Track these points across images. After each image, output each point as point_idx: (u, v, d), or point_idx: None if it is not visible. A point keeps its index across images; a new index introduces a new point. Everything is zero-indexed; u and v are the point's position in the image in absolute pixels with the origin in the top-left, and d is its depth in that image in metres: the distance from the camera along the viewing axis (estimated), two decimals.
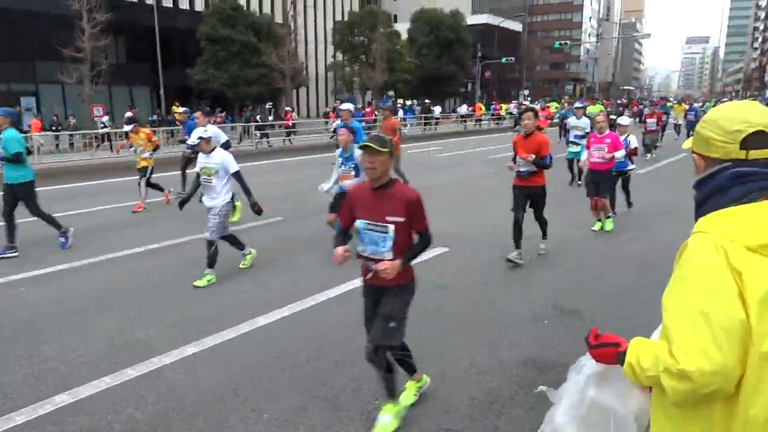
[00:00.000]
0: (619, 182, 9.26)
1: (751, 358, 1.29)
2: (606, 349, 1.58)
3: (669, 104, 31.23)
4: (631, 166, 9.26)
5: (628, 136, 8.92)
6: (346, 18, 54.47)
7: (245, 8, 44.08)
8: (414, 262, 3.20)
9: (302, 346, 4.44)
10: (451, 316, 5.10)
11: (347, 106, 8.77)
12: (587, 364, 1.68)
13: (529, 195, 6.59)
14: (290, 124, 26.96)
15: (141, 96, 40.61)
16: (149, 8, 36.16)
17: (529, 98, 57.98)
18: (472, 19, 64.34)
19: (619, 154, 8.25)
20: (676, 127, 25.19)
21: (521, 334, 4.66)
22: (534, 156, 6.34)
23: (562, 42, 56.63)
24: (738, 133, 1.41)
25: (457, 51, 56.11)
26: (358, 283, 3.49)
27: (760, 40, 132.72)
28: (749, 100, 1.53)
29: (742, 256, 1.30)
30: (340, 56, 53.85)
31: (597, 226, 8.31)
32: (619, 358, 1.52)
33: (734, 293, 1.29)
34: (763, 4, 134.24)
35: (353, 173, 6.63)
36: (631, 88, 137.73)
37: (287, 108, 30.61)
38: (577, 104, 15.79)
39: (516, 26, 78.97)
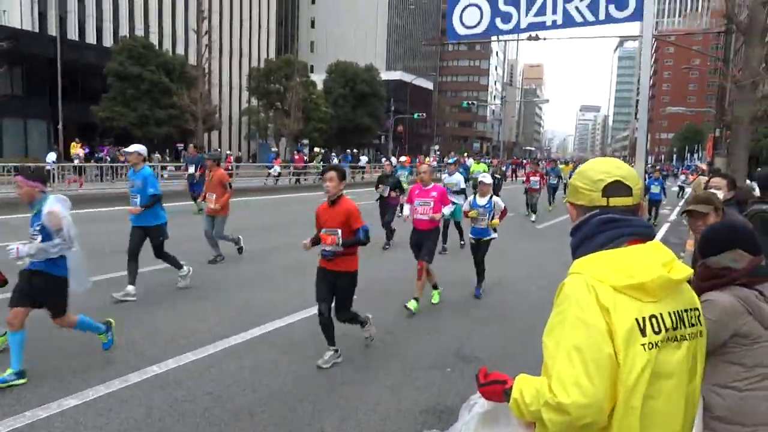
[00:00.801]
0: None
1: (619, 392, 1.39)
2: (493, 387, 1.64)
3: (560, 166, 33.63)
4: (492, 235, 7.54)
5: (491, 197, 7.47)
6: (262, 65, 54.76)
7: (157, 47, 43.19)
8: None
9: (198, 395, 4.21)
10: (356, 362, 5.06)
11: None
12: (478, 402, 1.73)
13: (335, 281, 4.89)
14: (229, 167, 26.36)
15: (36, 130, 38.12)
16: (52, 39, 34.50)
17: (439, 152, 60.38)
18: (386, 75, 66.82)
19: (447, 210, 6.98)
20: (566, 187, 27.14)
21: (424, 381, 4.69)
22: (340, 236, 4.69)
23: (470, 102, 59.86)
24: (600, 182, 1.57)
25: (371, 104, 57.81)
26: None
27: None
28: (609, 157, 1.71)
29: (609, 295, 1.42)
30: (255, 102, 53.75)
31: (412, 306, 6.45)
32: (505, 394, 1.58)
33: (604, 329, 1.40)
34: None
35: None
36: (532, 148, 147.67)
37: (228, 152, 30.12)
38: (450, 160, 16.58)
39: (428, 84, 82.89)
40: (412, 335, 5.91)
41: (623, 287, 1.43)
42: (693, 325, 1.53)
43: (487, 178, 7.61)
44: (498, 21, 2.43)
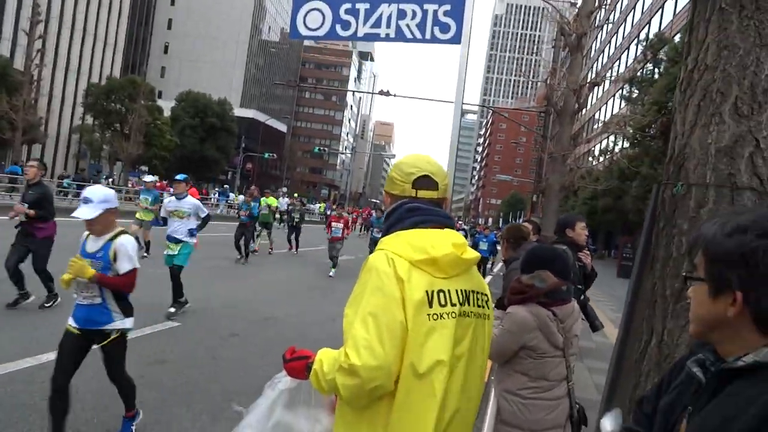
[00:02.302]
0: None
1: (405, 358, 1.48)
2: (298, 363, 1.64)
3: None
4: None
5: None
6: (104, 82, 50.79)
7: None
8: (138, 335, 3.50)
9: None
10: (170, 389, 4.68)
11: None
12: (282, 380, 1.70)
13: None
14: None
15: None
16: None
17: (287, 194, 60.13)
18: (239, 112, 65.80)
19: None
20: None
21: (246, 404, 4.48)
22: None
23: (322, 148, 61.02)
24: (411, 175, 1.70)
25: (221, 138, 56.28)
26: None
27: (477, 177, 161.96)
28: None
29: (406, 268, 1.53)
30: (90, 120, 49.38)
31: None
32: (308, 368, 1.58)
33: (398, 298, 1.49)
34: (479, 149, 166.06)
35: None
36: (378, 201, 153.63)
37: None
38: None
39: (281, 127, 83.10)
40: (238, 360, 5.65)
41: (418, 261, 1.54)
42: (480, 306, 1.67)
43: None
44: (338, 27, 2.58)
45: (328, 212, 39.68)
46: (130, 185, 36.36)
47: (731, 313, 1.01)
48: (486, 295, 1.72)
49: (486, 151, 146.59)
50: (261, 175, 73.86)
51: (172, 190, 13.44)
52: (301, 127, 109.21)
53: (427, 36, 2.45)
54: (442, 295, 1.55)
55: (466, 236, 18.18)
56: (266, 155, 57.67)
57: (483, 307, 1.68)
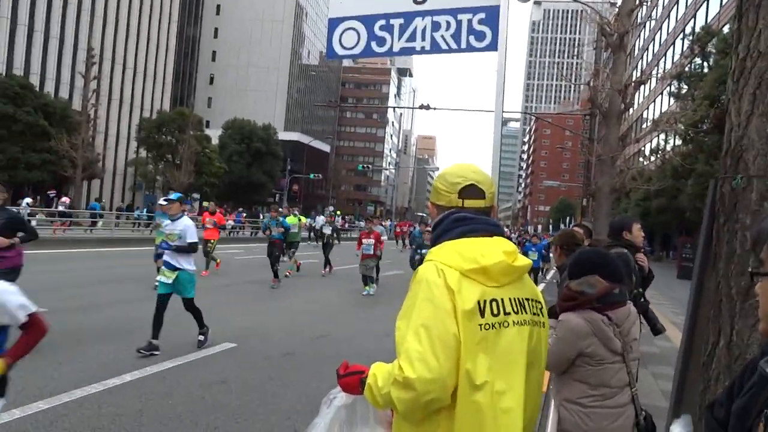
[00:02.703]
0: None
1: (460, 372, 1.45)
2: (352, 378, 1.64)
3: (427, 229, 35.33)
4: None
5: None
6: (154, 116, 53.02)
7: (37, 88, 40.53)
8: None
9: None
10: (230, 409, 4.77)
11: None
12: (338, 396, 1.70)
13: None
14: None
15: None
16: None
17: (333, 213, 60.80)
18: (283, 135, 67.25)
19: None
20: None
21: (303, 423, 4.51)
22: None
23: (365, 165, 61.51)
24: (457, 185, 1.69)
25: (267, 162, 57.60)
26: None
27: (523, 185, 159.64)
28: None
29: (456, 278, 1.51)
30: (143, 153, 51.57)
31: None
32: (362, 383, 1.58)
33: (450, 309, 1.47)
34: (524, 156, 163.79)
35: None
36: (424, 214, 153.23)
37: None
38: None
39: (325, 147, 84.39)
40: (292, 381, 5.71)
41: (468, 271, 1.52)
42: (535, 314, 1.63)
43: None
44: (374, 44, 2.62)
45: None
46: (188, 213, 37.59)
47: None
48: (540, 302, 1.68)
49: (531, 158, 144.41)
50: (307, 196, 75.13)
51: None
52: (344, 146, 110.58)
53: (463, 45, 2.46)
54: (494, 304, 1.53)
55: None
56: (312, 176, 58.59)
57: (538, 314, 1.65)
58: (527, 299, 1.62)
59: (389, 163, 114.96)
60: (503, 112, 2.77)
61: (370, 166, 67.65)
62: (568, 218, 50.25)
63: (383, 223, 21.10)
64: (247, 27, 79.74)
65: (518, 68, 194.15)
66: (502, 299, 1.55)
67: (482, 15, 2.41)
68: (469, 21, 2.44)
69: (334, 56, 2.80)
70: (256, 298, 11.14)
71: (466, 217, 1.65)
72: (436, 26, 2.50)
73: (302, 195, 67.19)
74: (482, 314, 1.50)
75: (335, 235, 16.92)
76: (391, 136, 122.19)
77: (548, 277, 19.62)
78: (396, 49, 2.56)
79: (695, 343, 1.93)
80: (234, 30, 79.99)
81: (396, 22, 2.55)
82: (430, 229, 7.52)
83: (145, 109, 61.14)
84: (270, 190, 60.83)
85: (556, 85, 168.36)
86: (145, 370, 5.56)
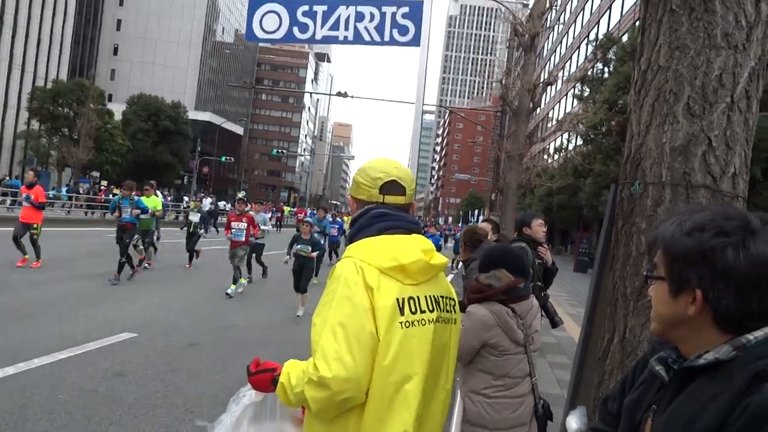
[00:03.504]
0: None
1: (375, 370, 1.45)
2: (263, 375, 1.59)
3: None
4: None
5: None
6: (49, 85, 48.83)
7: None
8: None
9: None
10: (127, 403, 4.52)
11: None
12: (247, 394, 1.65)
13: None
14: None
15: None
16: None
17: (246, 197, 59.21)
18: (194, 114, 64.43)
19: None
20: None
21: (208, 417, 4.36)
22: None
23: (280, 150, 60.33)
24: (378, 180, 1.68)
25: (176, 142, 54.98)
26: None
27: (435, 177, 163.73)
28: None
29: (375, 275, 1.50)
30: (36, 125, 47.43)
31: None
32: (274, 382, 1.54)
33: (367, 307, 1.46)
34: (437, 149, 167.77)
35: None
36: (338, 202, 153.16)
37: None
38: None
39: (238, 129, 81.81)
40: (196, 371, 5.51)
41: (387, 269, 1.52)
42: (448, 311, 1.66)
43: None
44: (296, 30, 2.54)
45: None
46: (81, 191, 35.08)
47: (692, 312, 1.02)
48: (453, 299, 1.72)
49: (444, 151, 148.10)
50: (218, 180, 72.62)
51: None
52: (259, 129, 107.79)
53: (386, 38, 2.43)
54: (412, 302, 1.53)
55: None
56: (223, 158, 56.63)
57: (451, 312, 1.67)
58: (442, 296, 1.64)
59: (304, 150, 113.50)
60: (423, 106, 2.79)
61: (284, 151, 66.27)
62: (477, 211, 52.16)
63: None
64: None
65: (435, 61, 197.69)
66: (419, 297, 1.56)
67: (406, 9, 2.40)
68: (393, 14, 2.42)
69: (254, 39, 2.69)
70: (159, 284, 10.64)
71: (386, 213, 1.64)
72: (360, 17, 2.46)
73: (213, 178, 64.85)
74: (401, 312, 1.50)
75: (203, 224, 14.09)
76: (307, 122, 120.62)
77: (458, 268, 20.31)
78: (318, 36, 2.49)
79: (592, 338, 2.05)
80: None
81: (320, 9, 2.48)
82: (310, 220, 7.52)
83: (39, 76, 56.27)
84: (178, 172, 58.20)
85: (470, 81, 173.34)
86: (32, 362, 5.14)
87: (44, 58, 58.13)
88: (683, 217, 1.07)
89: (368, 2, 2.41)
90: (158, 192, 14.15)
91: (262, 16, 2.54)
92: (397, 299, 1.50)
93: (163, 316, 7.82)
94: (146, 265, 11.98)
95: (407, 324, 1.50)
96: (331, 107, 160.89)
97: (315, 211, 15.56)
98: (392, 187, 1.67)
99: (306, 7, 2.51)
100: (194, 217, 13.57)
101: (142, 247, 11.57)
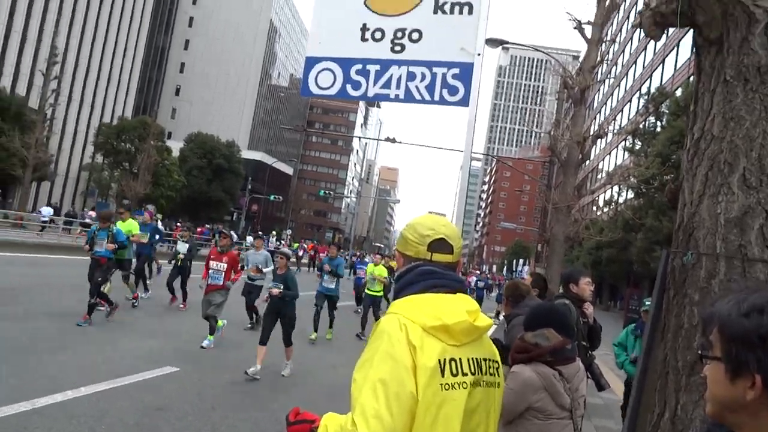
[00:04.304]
0: None
1: (415, 429, 1.43)
2: (301, 426, 1.59)
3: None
4: None
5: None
6: (115, 122, 51.76)
7: None
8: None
9: None
10: None
11: None
12: None
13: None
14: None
15: None
16: None
17: (290, 237, 60.23)
18: (247, 154, 66.63)
19: None
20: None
21: None
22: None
23: (327, 192, 61.39)
24: (427, 237, 1.69)
25: (228, 179, 56.82)
26: None
27: (481, 224, 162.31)
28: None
29: (418, 334, 1.50)
30: (100, 159, 50.12)
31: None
32: None
33: (409, 365, 1.45)
34: (483, 196, 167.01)
35: None
36: (381, 245, 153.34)
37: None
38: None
39: (288, 169, 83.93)
40: (235, 411, 5.53)
41: (431, 328, 1.51)
42: (491, 375, 1.63)
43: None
44: (349, 87, 2.66)
45: (300, 253, 32.72)
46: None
47: (750, 397, 0.98)
48: (497, 362, 1.69)
49: (490, 199, 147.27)
50: (266, 217, 74.20)
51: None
52: (308, 170, 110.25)
53: (436, 98, 2.51)
54: (453, 363, 1.52)
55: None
56: (272, 197, 58.06)
57: (494, 375, 1.65)
58: (485, 359, 1.62)
59: (351, 191, 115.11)
60: (471, 159, 2.82)
61: (331, 192, 67.57)
62: (522, 261, 51.25)
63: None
64: (219, 42, 79.37)
65: (484, 109, 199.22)
66: (461, 359, 1.54)
67: (456, 70, 2.49)
68: (444, 75, 2.51)
69: (308, 94, 2.83)
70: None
71: (433, 271, 1.65)
72: (411, 76, 2.56)
73: (261, 216, 66.34)
74: (442, 374, 1.49)
75: (189, 255, 11.98)
76: (355, 164, 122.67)
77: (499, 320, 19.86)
78: (371, 94, 2.59)
79: (641, 410, 1.97)
80: (205, 43, 79.47)
81: (372, 68, 2.60)
82: (284, 257, 6.96)
83: (106, 114, 59.63)
84: (228, 209, 59.90)
85: (518, 129, 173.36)
86: (78, 391, 5.29)
87: (112, 97, 61.77)
88: (740, 296, 1.04)
89: (420, 63, 2.51)
90: (158, 217, 12.18)
91: (318, 73, 2.68)
92: (439, 360, 1.49)
93: (206, 351, 7.93)
94: (133, 301, 10.66)
95: (446, 386, 1.49)
96: (379, 151, 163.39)
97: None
98: (441, 245, 1.68)
99: (359, 66, 2.63)
100: (182, 248, 12.00)
101: (132, 281, 10.76)
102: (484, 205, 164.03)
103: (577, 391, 2.70)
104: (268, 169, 65.10)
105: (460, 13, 2.61)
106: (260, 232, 19.30)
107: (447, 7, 2.62)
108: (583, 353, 3.99)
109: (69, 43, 52.66)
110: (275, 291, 7.02)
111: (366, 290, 12.32)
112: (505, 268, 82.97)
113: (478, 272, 24.12)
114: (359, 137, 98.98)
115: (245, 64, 79.88)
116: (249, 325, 10.40)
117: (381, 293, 12.26)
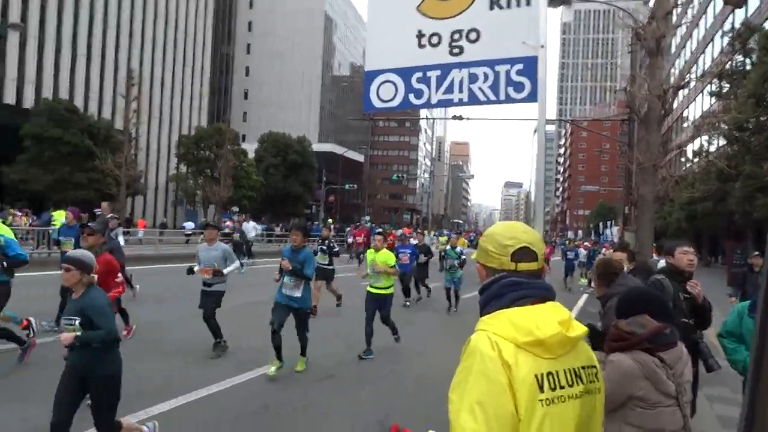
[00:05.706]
0: None
1: None
2: None
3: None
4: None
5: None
6: (192, 132, 54.46)
7: (82, 110, 42.16)
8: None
9: None
10: None
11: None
12: None
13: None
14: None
15: None
16: None
17: (370, 222, 61.04)
18: (318, 146, 67.98)
19: None
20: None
21: None
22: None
23: (400, 175, 61.55)
24: (509, 247, 1.64)
25: (303, 174, 58.30)
26: None
27: (561, 189, 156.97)
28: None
29: (511, 351, 1.47)
30: (183, 169, 52.98)
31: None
32: None
33: (506, 384, 1.44)
34: (560, 160, 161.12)
35: None
36: (460, 221, 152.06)
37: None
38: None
39: (359, 157, 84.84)
40: (330, 405, 5.73)
41: (524, 344, 1.48)
42: (591, 381, 1.59)
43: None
44: (411, 96, 2.63)
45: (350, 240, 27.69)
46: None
47: None
48: (595, 367, 1.64)
49: (568, 162, 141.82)
50: (343, 206, 75.63)
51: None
52: (378, 155, 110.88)
53: (501, 97, 2.44)
54: (551, 377, 1.49)
55: None
56: (347, 186, 59.01)
57: (594, 381, 1.60)
58: (583, 367, 1.58)
59: (423, 171, 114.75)
60: (546, 126, 2.72)
61: (404, 174, 67.68)
62: (609, 223, 49.06)
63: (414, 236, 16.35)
64: (279, 41, 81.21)
65: (552, 70, 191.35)
66: (557, 372, 1.51)
67: (520, 66, 2.39)
68: (507, 72, 2.42)
69: (372, 109, 2.83)
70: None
71: (519, 282, 1.60)
72: (473, 78, 2.49)
73: (338, 206, 67.72)
74: (541, 389, 1.46)
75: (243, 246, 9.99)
76: (425, 143, 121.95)
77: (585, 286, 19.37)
78: (434, 101, 2.57)
79: (763, 374, 1.85)
80: (266, 45, 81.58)
81: (433, 74, 2.55)
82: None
83: (184, 125, 62.80)
84: (307, 202, 61.55)
85: (591, 87, 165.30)
86: (188, 396, 5.68)
87: (187, 109, 64.96)
88: None
89: (481, 63, 2.44)
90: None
91: (379, 86, 2.66)
92: (536, 375, 1.47)
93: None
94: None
95: (548, 402, 1.46)
96: (447, 127, 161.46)
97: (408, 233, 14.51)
98: (524, 253, 1.63)
99: (420, 74, 2.58)
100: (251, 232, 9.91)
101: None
102: (562, 170, 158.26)
103: (682, 376, 2.58)
104: (340, 160, 66.06)
105: (518, 5, 2.51)
106: (210, 221, 13.82)
107: (503, 2, 2.53)
108: (685, 332, 3.79)
109: (142, 63, 55.82)
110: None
111: (368, 288, 8.19)
112: (591, 233, 79.91)
113: (586, 244, 24.32)
114: (425, 118, 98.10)
115: (306, 59, 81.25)
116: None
117: (390, 290, 8.15)
